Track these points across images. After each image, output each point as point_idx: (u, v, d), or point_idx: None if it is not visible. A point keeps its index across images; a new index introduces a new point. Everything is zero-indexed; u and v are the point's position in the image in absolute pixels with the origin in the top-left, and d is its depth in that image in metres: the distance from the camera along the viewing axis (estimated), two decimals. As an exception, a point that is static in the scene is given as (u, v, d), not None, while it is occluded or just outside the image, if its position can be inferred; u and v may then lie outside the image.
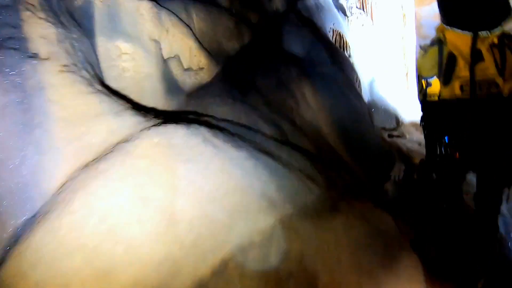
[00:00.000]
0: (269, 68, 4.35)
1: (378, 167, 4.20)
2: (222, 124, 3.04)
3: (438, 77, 2.38)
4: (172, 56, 4.38)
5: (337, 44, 7.92)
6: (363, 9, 9.43)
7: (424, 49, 2.91)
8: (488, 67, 2.05)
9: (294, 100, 3.96)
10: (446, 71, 2.24)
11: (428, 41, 4.15)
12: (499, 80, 2.02)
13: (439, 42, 2.36)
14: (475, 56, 2.08)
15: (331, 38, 7.67)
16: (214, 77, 4.40)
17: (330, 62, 5.39)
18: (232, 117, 3.44)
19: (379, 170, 4.26)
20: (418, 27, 12.68)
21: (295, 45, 5.32)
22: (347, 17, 8.83)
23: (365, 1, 9.57)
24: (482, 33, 2.05)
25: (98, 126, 2.49)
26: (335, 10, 8.47)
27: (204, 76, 4.40)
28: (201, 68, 4.45)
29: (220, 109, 3.57)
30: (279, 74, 4.27)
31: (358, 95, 5.22)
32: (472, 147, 2.19)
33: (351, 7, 9.07)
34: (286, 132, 3.53)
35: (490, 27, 2.06)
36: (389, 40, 9.78)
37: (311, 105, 4.00)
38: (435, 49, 2.44)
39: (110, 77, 3.69)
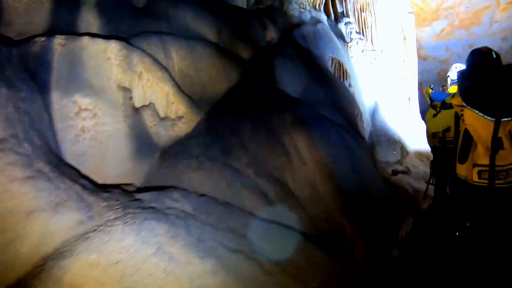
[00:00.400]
0: (259, 115, 3.81)
1: (384, 230, 3.63)
2: (193, 206, 2.50)
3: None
4: (146, 104, 3.84)
5: (337, 73, 7.42)
6: (362, 34, 8.95)
7: (434, 108, 2.76)
8: (508, 155, 1.95)
9: (286, 157, 3.40)
10: (463, 149, 2.14)
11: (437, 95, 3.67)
12: None
13: (455, 113, 2.26)
14: (496, 144, 1.95)
15: (330, 68, 7.16)
16: (194, 127, 3.86)
17: (328, 101, 4.85)
18: (209, 188, 2.90)
19: (385, 231, 3.68)
20: (419, 48, 12.24)
21: (290, 83, 4.79)
22: (347, 43, 8.34)
23: (365, 26, 9.10)
24: (504, 120, 1.91)
25: (30, 228, 1.94)
26: (334, 37, 7.98)
27: (183, 127, 3.86)
28: (180, 117, 3.91)
29: (196, 177, 3.02)
30: (270, 122, 3.72)
31: (359, 138, 4.65)
32: (488, 231, 2.09)
33: (351, 32, 8.59)
34: (275, 202, 2.99)
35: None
36: (391, 64, 9.28)
37: (306, 161, 3.43)
38: (447, 115, 2.44)
39: (66, 140, 3.13)
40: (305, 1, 8.27)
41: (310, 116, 3.93)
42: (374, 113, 8.29)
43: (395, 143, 8.32)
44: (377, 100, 8.53)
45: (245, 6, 8.15)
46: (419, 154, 8.48)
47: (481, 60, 2.20)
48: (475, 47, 2.46)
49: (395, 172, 6.89)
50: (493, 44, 11.56)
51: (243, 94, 4.09)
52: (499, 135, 1.91)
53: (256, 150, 3.35)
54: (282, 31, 7.31)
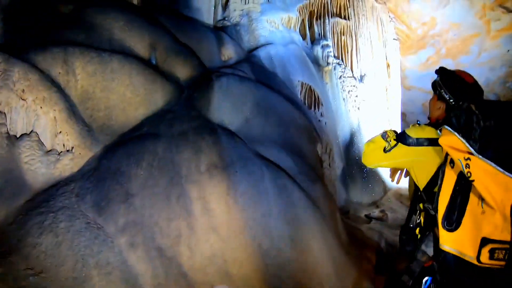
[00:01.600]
0: (165, 155, 2.85)
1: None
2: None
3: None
4: (27, 133, 2.91)
5: (307, 101, 6.57)
6: (341, 59, 8.13)
7: (385, 139, 1.76)
8: None
9: (187, 219, 2.38)
10: (453, 210, 1.48)
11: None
12: None
13: (446, 157, 1.56)
14: None
15: (299, 94, 6.29)
16: (84, 166, 2.90)
17: (278, 136, 3.91)
18: (50, 264, 1.92)
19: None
20: (403, 77, 11.47)
21: (230, 111, 3.86)
22: (322, 67, 7.51)
23: (344, 50, 8.29)
24: None
25: None
26: (308, 60, 7.16)
27: (70, 164, 2.88)
28: (68, 151, 2.95)
29: (41, 244, 2.05)
30: (178, 165, 2.74)
31: (316, 186, 3.67)
32: None
33: (327, 56, 7.77)
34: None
35: None
36: (371, 93, 8.44)
37: (217, 226, 2.41)
38: (424, 155, 1.65)
39: None
40: (278, 20, 7.50)
41: (240, 158, 2.96)
42: (350, 147, 7.39)
43: (372, 181, 7.40)
44: (354, 131, 7.65)
45: (211, 22, 7.35)
46: (399, 195, 7.52)
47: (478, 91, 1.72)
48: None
49: (368, 218, 5.93)
50: (481, 74, 10.88)
51: (159, 124, 3.14)
52: None
53: (146, 207, 2.37)
54: (242, 49, 6.49)
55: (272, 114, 4.07)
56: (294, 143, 3.93)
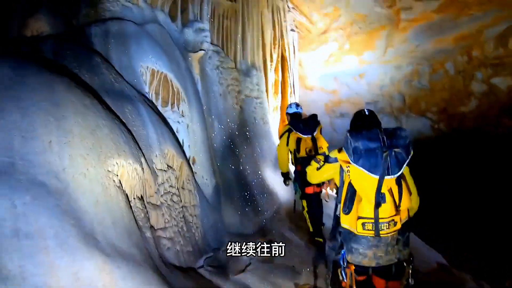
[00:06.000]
0: None
1: None
2: None
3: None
4: None
5: (161, 95, 4.83)
6: (222, 47, 6.56)
7: (317, 162, 2.70)
8: (388, 208, 2.21)
9: None
10: (347, 201, 2.35)
11: None
12: (397, 218, 2.25)
13: (340, 167, 2.44)
14: (379, 199, 2.20)
15: (145, 85, 4.55)
16: None
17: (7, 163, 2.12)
18: None
19: None
20: (304, 77, 10.27)
21: None
22: (191, 53, 5.86)
23: (227, 37, 6.74)
24: (386, 178, 2.15)
25: None
26: (172, 44, 5.47)
27: None
28: None
29: None
30: None
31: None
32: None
33: (202, 42, 6.13)
34: None
35: (394, 172, 2.16)
36: (260, 90, 6.97)
37: None
38: (333, 168, 2.55)
39: None
40: (138, -5, 5.69)
41: None
42: (227, 156, 5.79)
43: (260, 199, 5.86)
44: (233, 136, 6.07)
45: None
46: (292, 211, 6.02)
47: (365, 125, 2.38)
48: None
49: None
50: (385, 72, 10.03)
51: None
52: (382, 191, 2.17)
53: None
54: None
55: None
56: (48, 171, 2.15)
